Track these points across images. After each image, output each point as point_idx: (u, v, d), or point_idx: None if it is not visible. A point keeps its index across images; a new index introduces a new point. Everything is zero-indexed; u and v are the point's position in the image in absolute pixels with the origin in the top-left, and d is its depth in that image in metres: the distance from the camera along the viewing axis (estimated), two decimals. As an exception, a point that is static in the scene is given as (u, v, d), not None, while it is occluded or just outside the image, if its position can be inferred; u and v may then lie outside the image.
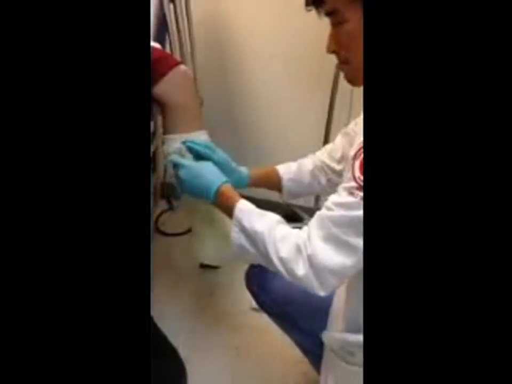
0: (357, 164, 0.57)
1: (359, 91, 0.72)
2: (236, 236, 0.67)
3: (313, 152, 0.96)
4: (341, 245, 0.58)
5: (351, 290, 0.72)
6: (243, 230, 0.66)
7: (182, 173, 0.74)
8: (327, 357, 0.78)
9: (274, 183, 0.91)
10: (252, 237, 0.65)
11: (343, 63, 0.66)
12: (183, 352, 0.82)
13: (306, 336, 0.85)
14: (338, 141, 0.89)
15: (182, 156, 0.77)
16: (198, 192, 0.73)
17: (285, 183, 0.91)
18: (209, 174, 0.73)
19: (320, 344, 0.79)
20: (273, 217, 0.67)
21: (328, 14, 0.63)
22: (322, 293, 0.61)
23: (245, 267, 0.95)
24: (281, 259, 0.62)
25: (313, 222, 0.62)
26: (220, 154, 0.81)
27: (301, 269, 0.61)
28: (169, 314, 1.27)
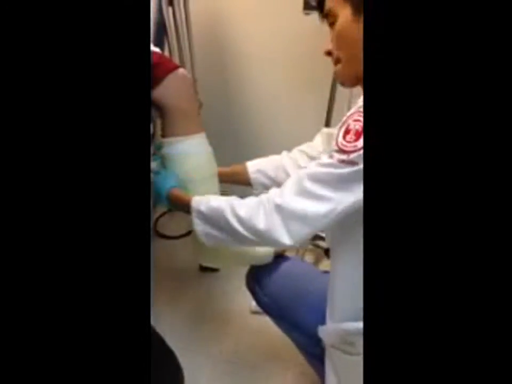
0: (342, 131, 0.58)
1: (358, 93, 0.73)
2: (198, 226, 0.68)
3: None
4: (314, 196, 0.58)
5: (343, 278, 0.71)
6: (202, 216, 0.68)
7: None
8: (329, 354, 0.78)
9: (241, 176, 0.93)
10: (210, 216, 0.66)
11: (335, 63, 0.67)
12: (181, 355, 0.81)
13: (305, 335, 0.85)
14: (317, 140, 0.91)
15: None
16: (155, 201, 0.77)
17: (252, 175, 0.92)
18: (157, 182, 0.76)
19: (320, 344, 0.79)
20: (231, 197, 0.68)
21: (325, 16, 0.64)
22: (288, 242, 0.61)
23: (245, 270, 0.95)
24: (240, 219, 0.62)
25: (288, 179, 0.63)
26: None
27: (261, 222, 0.61)
28: (168, 317, 1.27)
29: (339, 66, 0.67)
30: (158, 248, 1.57)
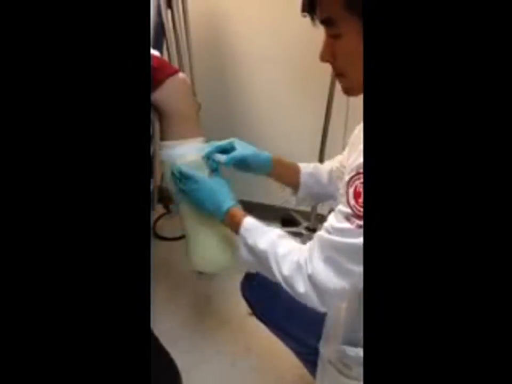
0: (351, 191, 0.57)
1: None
2: (243, 254, 0.71)
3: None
4: (339, 268, 0.60)
5: (349, 304, 0.72)
6: (248, 247, 0.70)
7: (193, 186, 0.76)
8: (323, 367, 0.78)
9: (292, 176, 0.90)
10: (256, 254, 0.69)
11: (338, 75, 0.64)
12: (179, 358, 0.81)
13: (300, 344, 0.86)
14: (346, 151, 0.86)
15: (198, 168, 0.79)
16: (208, 208, 0.76)
17: (303, 176, 0.89)
18: (221, 193, 0.76)
19: (315, 351, 0.79)
20: (275, 234, 0.69)
21: (323, 22, 0.60)
22: (323, 310, 0.64)
23: (242, 272, 0.96)
24: (283, 276, 0.65)
25: (314, 242, 0.64)
26: (244, 147, 0.87)
27: (301, 287, 0.63)
28: (166, 318, 1.27)
29: (343, 79, 0.64)
30: (156, 249, 1.57)
